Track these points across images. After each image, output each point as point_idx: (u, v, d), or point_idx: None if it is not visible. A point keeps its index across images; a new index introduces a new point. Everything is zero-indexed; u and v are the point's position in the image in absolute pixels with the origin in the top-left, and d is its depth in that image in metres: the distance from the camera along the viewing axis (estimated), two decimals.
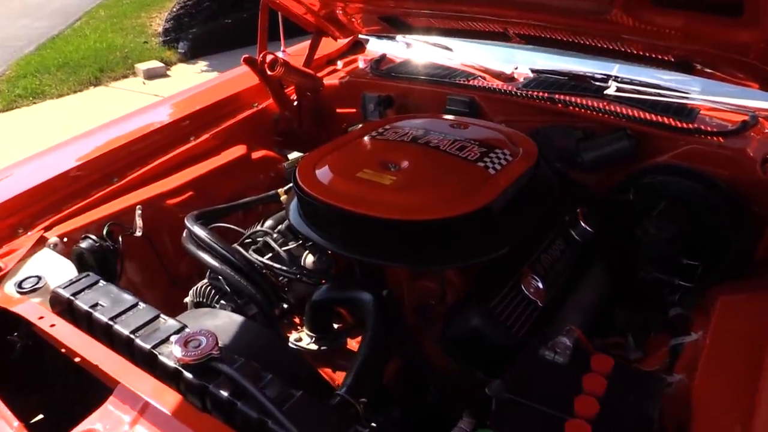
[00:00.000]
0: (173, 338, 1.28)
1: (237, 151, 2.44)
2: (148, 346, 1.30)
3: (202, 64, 8.64)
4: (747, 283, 1.75)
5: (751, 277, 1.82)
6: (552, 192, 1.93)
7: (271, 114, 2.67)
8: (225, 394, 1.18)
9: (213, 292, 1.86)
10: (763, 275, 1.78)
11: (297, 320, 1.92)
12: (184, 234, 1.94)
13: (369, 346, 1.41)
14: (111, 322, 1.38)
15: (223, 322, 1.50)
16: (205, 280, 1.92)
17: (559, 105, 2.26)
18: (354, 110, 2.78)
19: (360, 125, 2.73)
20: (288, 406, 1.13)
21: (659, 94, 2.28)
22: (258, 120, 2.61)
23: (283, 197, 2.20)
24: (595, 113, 2.20)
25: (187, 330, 1.32)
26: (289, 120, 2.71)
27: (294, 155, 2.63)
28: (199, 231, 1.86)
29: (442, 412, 1.59)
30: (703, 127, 2.06)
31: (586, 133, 2.23)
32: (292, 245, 1.88)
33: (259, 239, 1.94)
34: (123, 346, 1.35)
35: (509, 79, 2.59)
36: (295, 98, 2.71)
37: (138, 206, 2.01)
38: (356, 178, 1.75)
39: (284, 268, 1.76)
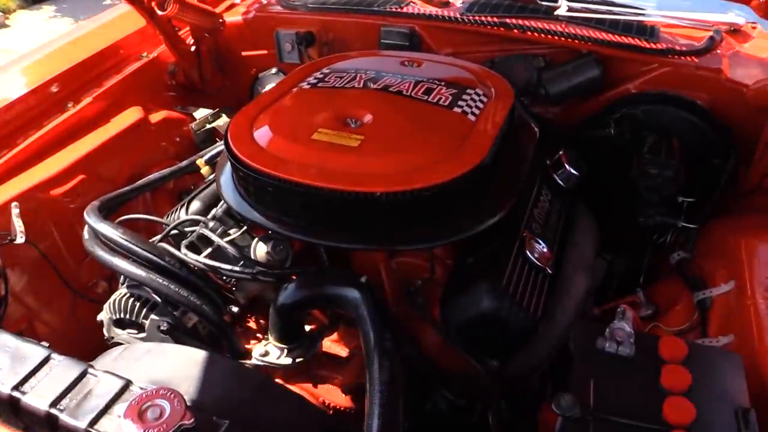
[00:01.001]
0: (119, 408, 0.89)
1: (131, 115, 1.93)
2: (82, 425, 0.89)
3: (48, 10, 7.37)
4: (747, 218, 1.62)
5: (744, 209, 1.70)
6: (534, 134, 1.66)
7: (164, 65, 2.16)
8: None
9: (137, 304, 1.44)
10: (761, 207, 1.65)
11: (253, 324, 1.56)
12: (86, 233, 1.48)
13: (383, 367, 1.08)
14: (16, 393, 0.95)
15: (177, 362, 1.11)
16: (123, 290, 1.48)
17: (515, 31, 1.97)
18: (265, 52, 2.33)
19: (274, 70, 2.32)
20: None
21: (615, 12, 2.07)
22: (149, 74, 2.09)
23: (204, 169, 1.76)
24: (555, 38, 1.93)
25: (135, 389, 0.92)
26: (187, 70, 2.20)
27: (201, 113, 2.16)
28: (109, 230, 1.41)
29: (462, 419, 1.33)
30: (672, 46, 1.87)
31: (547, 62, 1.98)
32: (234, 233, 1.47)
33: (187, 229, 1.51)
34: (41, 426, 0.93)
35: (444, 3, 2.24)
36: (192, 42, 2.20)
37: (13, 203, 1.50)
38: (313, 141, 1.38)
39: (235, 268, 1.37)
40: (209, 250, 1.44)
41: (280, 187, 1.31)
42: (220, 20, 2.22)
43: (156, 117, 1.99)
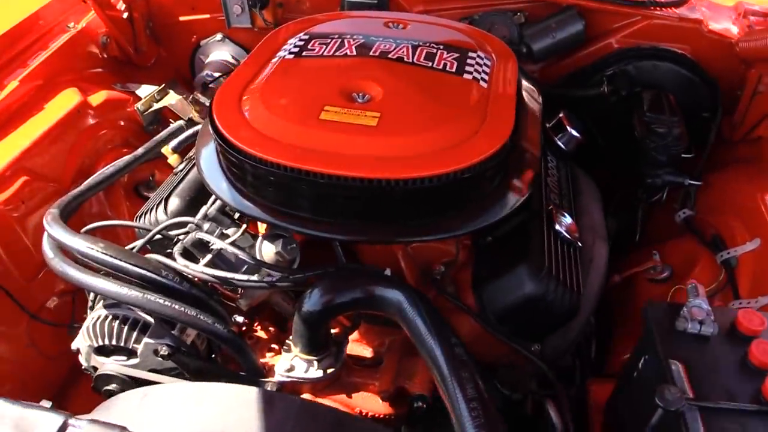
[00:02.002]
0: None
1: (67, 99, 1.62)
2: None
3: None
4: (743, 170, 1.62)
5: (728, 161, 1.71)
6: (537, 96, 1.56)
7: (95, 36, 1.84)
8: None
9: (125, 327, 1.22)
10: (745, 158, 1.66)
11: (262, 332, 1.38)
12: (49, 250, 1.22)
13: (464, 381, 0.95)
14: None
15: (229, 404, 0.92)
16: (101, 311, 1.25)
17: None
18: (207, 16, 2.06)
19: (219, 36, 2.06)
20: None
21: None
22: (79, 47, 1.78)
23: (173, 158, 1.52)
24: None
25: None
26: (120, 41, 1.89)
27: (144, 90, 1.86)
28: (83, 244, 1.17)
29: (517, 414, 1.24)
30: None
31: (527, 17, 1.88)
32: (233, 234, 1.27)
33: (173, 233, 1.29)
34: None
35: None
36: (123, 8, 1.89)
37: None
38: (322, 121, 1.20)
39: (252, 277, 1.18)
40: (209, 256, 1.23)
41: (291, 177, 1.13)
42: None
43: (96, 99, 1.69)
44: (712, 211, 1.57)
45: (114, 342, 1.24)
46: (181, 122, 1.75)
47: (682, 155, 1.62)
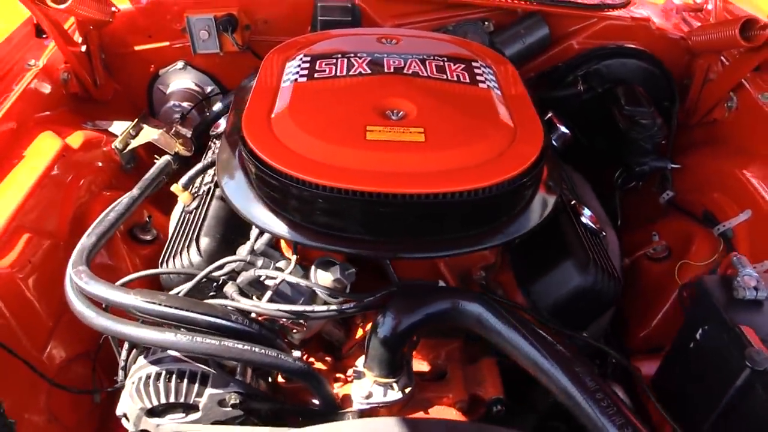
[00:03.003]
0: None
1: (48, 144, 1.47)
2: None
3: None
4: (710, 150, 1.80)
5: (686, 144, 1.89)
6: (535, 97, 1.64)
7: (56, 73, 1.68)
8: None
9: (184, 381, 1.14)
10: (702, 140, 1.85)
11: (321, 365, 1.33)
12: (87, 310, 1.11)
13: (585, 386, 0.97)
14: None
15: None
16: (147, 369, 1.16)
17: None
18: (166, 44, 1.95)
19: (180, 64, 1.97)
20: None
21: None
22: (43, 86, 1.61)
23: (184, 196, 1.43)
24: (503, 0, 1.92)
25: None
26: (81, 75, 1.74)
27: (117, 127, 1.73)
28: (138, 300, 1.07)
29: None
30: (602, 1, 1.98)
31: (494, 26, 1.96)
32: (287, 266, 1.22)
33: (216, 274, 1.21)
34: None
35: None
36: (81, 42, 1.74)
37: None
38: (370, 142, 1.19)
39: (331, 307, 1.14)
40: (269, 293, 1.18)
41: (349, 200, 1.11)
42: (114, 9, 1.79)
43: (74, 141, 1.55)
44: (693, 190, 1.73)
45: (172, 399, 1.15)
46: (168, 157, 1.66)
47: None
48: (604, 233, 1.45)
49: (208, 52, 1.91)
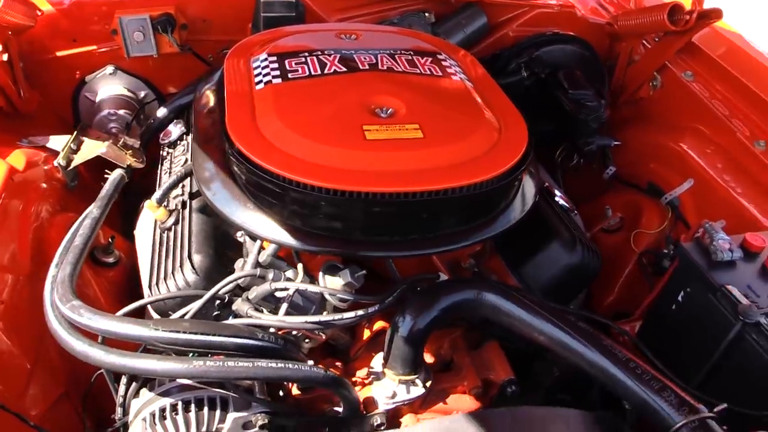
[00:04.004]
0: None
1: None
2: None
3: None
4: (643, 126, 1.96)
5: (621, 120, 2.04)
6: None
7: None
8: None
9: (204, 410, 1.08)
10: (630, 117, 2.01)
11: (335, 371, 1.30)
12: (92, 349, 1.01)
13: (610, 350, 1.03)
14: None
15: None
16: (160, 402, 1.08)
17: None
18: (92, 48, 1.79)
19: (110, 69, 1.83)
20: None
21: None
22: None
23: (160, 212, 1.34)
24: None
25: None
26: (6, 87, 1.55)
27: (55, 142, 1.57)
28: (153, 331, 0.99)
29: None
30: None
31: (435, 16, 1.99)
32: (296, 275, 1.18)
33: (221, 294, 1.14)
34: None
35: None
36: (2, 50, 1.55)
37: None
38: (371, 141, 1.18)
39: (357, 313, 1.12)
40: (284, 305, 1.13)
41: (363, 202, 1.10)
42: (38, 12, 1.61)
43: (17, 162, 1.38)
44: (632, 164, 1.88)
45: (194, 430, 1.08)
46: (120, 171, 1.53)
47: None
48: (575, 211, 1.54)
49: (142, 54, 1.77)
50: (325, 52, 1.45)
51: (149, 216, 1.49)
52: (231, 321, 1.11)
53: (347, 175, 1.11)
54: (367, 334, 1.35)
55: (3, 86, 1.53)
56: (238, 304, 1.14)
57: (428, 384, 1.21)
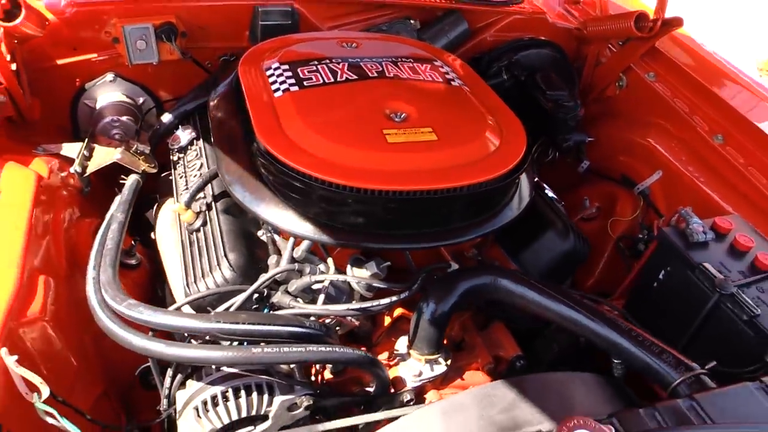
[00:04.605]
0: None
1: (19, 176, 1.34)
2: None
3: None
4: (610, 123, 2.14)
5: (590, 117, 2.22)
6: None
7: None
8: None
9: (253, 395, 1.17)
10: (594, 115, 2.19)
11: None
12: (153, 344, 1.09)
13: (614, 322, 1.19)
14: None
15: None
16: (211, 390, 1.17)
17: None
18: (93, 56, 1.82)
19: (110, 76, 1.86)
20: None
21: None
22: None
23: (187, 215, 1.41)
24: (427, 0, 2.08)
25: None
26: (16, 97, 1.58)
27: (68, 150, 1.60)
28: (215, 323, 1.08)
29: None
30: None
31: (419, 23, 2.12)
32: (327, 268, 1.28)
33: (260, 289, 1.24)
34: None
35: None
36: (10, 60, 1.57)
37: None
38: (392, 144, 1.29)
39: (393, 299, 1.23)
40: (322, 296, 1.24)
41: (395, 200, 1.22)
42: (47, 23, 1.63)
43: (41, 170, 1.42)
44: (604, 158, 2.06)
45: (244, 414, 1.17)
46: (136, 176, 1.60)
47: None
48: (562, 203, 1.70)
49: (144, 62, 1.82)
50: (333, 61, 1.56)
51: (169, 219, 1.57)
52: (285, 311, 1.20)
53: (375, 175, 1.22)
54: (387, 321, 1.46)
55: (14, 95, 1.56)
56: (279, 297, 1.24)
57: (449, 362, 1.34)
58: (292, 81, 1.46)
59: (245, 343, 1.12)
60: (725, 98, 1.82)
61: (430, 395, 1.35)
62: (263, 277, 1.23)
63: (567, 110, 1.95)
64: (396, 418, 1.13)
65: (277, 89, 1.44)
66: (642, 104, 2.04)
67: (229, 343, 1.14)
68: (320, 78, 1.48)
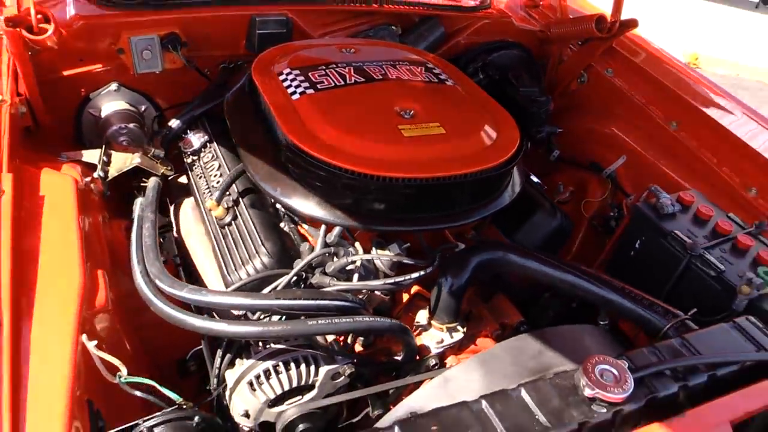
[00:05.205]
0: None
1: (59, 180, 1.42)
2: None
3: None
4: (576, 114, 2.37)
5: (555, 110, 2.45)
6: None
7: (15, 107, 1.57)
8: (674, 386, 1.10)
9: (302, 366, 1.30)
10: (575, 106, 2.43)
11: None
12: (210, 323, 1.21)
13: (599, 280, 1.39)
14: None
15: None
16: (263, 365, 1.29)
17: (374, 5, 2.18)
18: (98, 66, 1.90)
19: (114, 86, 1.94)
20: None
21: None
22: (16, 124, 1.52)
23: (218, 211, 1.52)
24: (403, 6, 2.25)
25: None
26: (38, 107, 1.65)
27: (89, 156, 1.68)
28: (270, 299, 1.21)
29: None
30: (475, 4, 2.42)
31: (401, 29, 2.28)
32: (358, 250, 1.43)
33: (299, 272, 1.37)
34: None
35: None
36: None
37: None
38: (408, 138, 1.46)
39: (419, 273, 1.39)
40: (356, 275, 1.39)
41: (414, 186, 1.38)
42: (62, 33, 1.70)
43: (73, 174, 1.50)
44: (573, 146, 2.28)
45: (294, 385, 1.30)
46: (156, 179, 1.69)
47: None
48: (545, 186, 1.91)
49: (149, 71, 1.91)
50: (339, 65, 1.70)
51: (191, 217, 1.67)
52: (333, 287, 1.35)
53: (397, 165, 1.38)
54: (406, 298, 1.62)
55: (36, 106, 1.63)
56: (318, 278, 1.37)
57: (464, 329, 1.51)
58: (306, 84, 1.60)
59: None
60: (676, 89, 2.07)
61: (450, 360, 1.51)
62: (303, 261, 1.37)
63: (539, 105, 2.16)
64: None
65: (294, 92, 1.57)
66: (603, 97, 2.28)
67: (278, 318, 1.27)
68: (331, 81, 1.62)
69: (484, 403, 1.01)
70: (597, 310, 1.63)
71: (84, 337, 1.10)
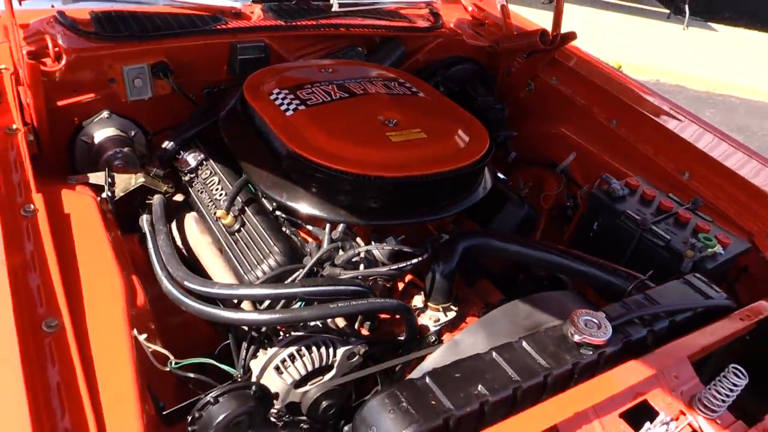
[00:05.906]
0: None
1: (80, 201, 1.54)
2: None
3: None
4: (532, 119, 2.63)
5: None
6: None
7: (25, 136, 1.66)
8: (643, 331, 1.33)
9: (322, 349, 1.46)
10: (527, 112, 2.69)
11: None
12: (239, 314, 1.36)
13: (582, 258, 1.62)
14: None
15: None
16: (287, 351, 1.44)
17: (342, 29, 2.38)
18: (91, 96, 2.00)
19: (106, 113, 2.05)
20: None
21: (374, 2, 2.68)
22: (30, 149, 1.62)
23: (228, 219, 1.67)
24: (368, 29, 2.46)
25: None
26: (43, 135, 1.75)
27: (96, 178, 1.79)
28: (294, 288, 1.37)
29: None
30: (429, 24, 2.66)
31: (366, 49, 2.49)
32: (361, 243, 1.61)
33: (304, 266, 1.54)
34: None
35: (238, 14, 2.40)
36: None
37: None
38: (396, 143, 1.66)
39: (414, 261, 1.58)
40: (362, 265, 1.56)
41: (405, 184, 1.58)
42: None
43: (89, 193, 1.61)
44: (527, 148, 2.54)
45: (317, 366, 1.45)
46: (160, 196, 1.82)
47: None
48: (510, 182, 2.14)
49: (140, 98, 2.04)
50: (323, 83, 1.89)
51: (196, 229, 1.81)
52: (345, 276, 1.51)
53: (392, 166, 1.57)
54: (401, 286, 1.80)
55: (42, 134, 1.73)
56: (329, 270, 1.54)
57: (457, 309, 1.70)
58: (297, 102, 1.77)
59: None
60: (613, 92, 2.37)
61: (445, 337, 1.70)
62: (316, 255, 1.54)
63: (496, 112, 2.41)
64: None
65: (287, 109, 1.74)
66: (550, 103, 2.55)
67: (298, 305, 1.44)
68: (319, 98, 1.80)
69: (494, 353, 1.20)
70: (564, 287, 1.88)
71: (135, 331, 1.23)
